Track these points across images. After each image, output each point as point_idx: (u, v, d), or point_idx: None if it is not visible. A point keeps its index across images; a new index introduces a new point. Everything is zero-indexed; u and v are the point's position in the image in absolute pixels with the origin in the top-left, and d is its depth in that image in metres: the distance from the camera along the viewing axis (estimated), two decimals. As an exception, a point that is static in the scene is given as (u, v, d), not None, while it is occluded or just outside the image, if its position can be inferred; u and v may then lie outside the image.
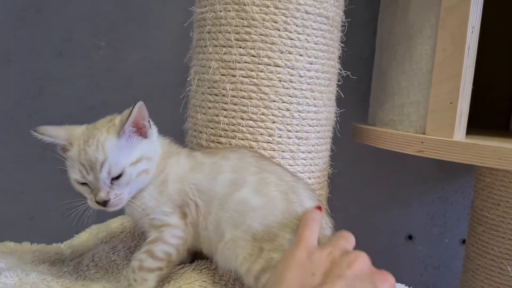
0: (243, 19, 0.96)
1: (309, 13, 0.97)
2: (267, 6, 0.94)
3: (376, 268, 0.73)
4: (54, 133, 0.90)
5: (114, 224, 1.13)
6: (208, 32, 1.00)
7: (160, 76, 1.74)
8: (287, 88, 0.97)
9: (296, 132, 0.99)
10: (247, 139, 0.97)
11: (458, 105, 1.00)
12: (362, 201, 1.70)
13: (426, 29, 1.06)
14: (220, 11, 0.97)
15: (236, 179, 0.85)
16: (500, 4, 1.36)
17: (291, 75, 0.97)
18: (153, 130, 0.91)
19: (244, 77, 0.96)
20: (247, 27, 0.96)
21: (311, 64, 0.99)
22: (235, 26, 0.96)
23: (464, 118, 1.02)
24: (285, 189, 0.85)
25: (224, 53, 0.98)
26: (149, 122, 0.89)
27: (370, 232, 1.75)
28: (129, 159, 0.83)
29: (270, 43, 0.96)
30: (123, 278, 0.88)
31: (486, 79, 1.19)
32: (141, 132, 0.87)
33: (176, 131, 1.04)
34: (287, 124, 0.98)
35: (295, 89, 0.98)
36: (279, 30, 0.96)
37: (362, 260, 0.71)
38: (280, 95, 0.97)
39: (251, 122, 0.97)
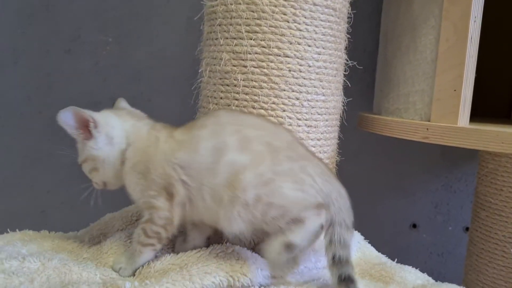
0: (253, 11, 0.99)
1: (317, 5, 1.00)
2: (277, -1, 0.98)
3: None
4: None
5: (129, 212, 1.17)
6: (219, 25, 1.03)
7: (166, 71, 1.77)
8: (296, 78, 1.01)
9: (305, 120, 1.03)
10: (259, 128, 1.00)
11: (462, 92, 1.03)
12: (367, 190, 1.73)
13: (430, 19, 1.09)
14: (231, 4, 1.01)
15: (217, 145, 0.88)
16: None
17: (300, 65, 1.01)
18: (102, 128, 0.94)
19: (255, 67, 1.00)
20: (257, 19, 0.99)
21: (319, 54, 1.02)
22: (245, 18, 1.00)
23: (468, 105, 1.05)
24: (268, 140, 0.89)
25: (235, 45, 1.01)
26: (93, 120, 0.93)
27: (375, 221, 1.79)
28: (80, 158, 0.97)
29: (279, 35, 0.99)
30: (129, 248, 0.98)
31: (488, 69, 1.23)
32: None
33: (184, 123, 1.07)
34: (297, 113, 1.02)
35: (304, 78, 1.01)
36: (288, 22, 0.99)
37: None
38: (290, 84, 1.00)
39: (262, 111, 1.01)
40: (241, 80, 1.01)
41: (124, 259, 0.97)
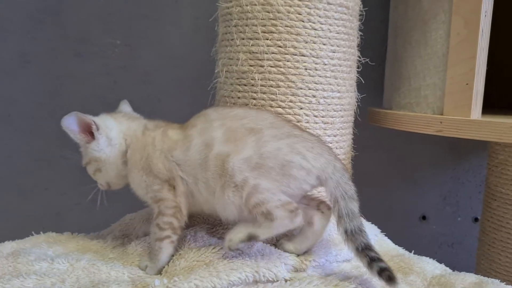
0: (268, 12, 1.01)
1: (330, 4, 1.03)
2: (291, -1, 1.00)
3: None
4: None
5: (149, 213, 1.19)
6: (235, 26, 1.05)
7: (175, 72, 1.79)
8: (312, 76, 1.03)
9: (322, 117, 1.05)
10: (277, 126, 1.02)
11: (474, 85, 1.06)
12: (376, 184, 1.75)
13: (440, 14, 1.12)
14: (246, 5, 1.03)
15: (206, 141, 0.94)
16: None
17: (316, 64, 1.03)
18: (102, 131, 1.01)
19: (271, 67, 1.02)
20: (273, 19, 1.01)
21: (334, 52, 1.05)
22: (261, 19, 1.02)
23: (480, 98, 1.08)
24: (250, 126, 0.92)
25: (252, 45, 1.03)
26: (94, 123, 1.00)
27: (385, 213, 1.81)
28: (84, 161, 1.04)
29: (295, 34, 1.01)
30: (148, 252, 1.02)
31: (499, 61, 1.25)
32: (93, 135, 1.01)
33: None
34: (313, 110, 1.04)
35: (320, 76, 1.03)
36: (303, 21, 1.01)
37: None
38: (306, 82, 1.03)
39: (280, 109, 1.03)
40: (258, 79, 1.03)
41: (148, 258, 0.99)
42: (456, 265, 1.83)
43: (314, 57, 1.03)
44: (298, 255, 1.00)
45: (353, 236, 0.88)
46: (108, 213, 1.22)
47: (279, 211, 0.88)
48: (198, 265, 0.95)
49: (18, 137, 1.81)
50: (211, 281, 0.88)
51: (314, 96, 1.04)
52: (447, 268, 1.05)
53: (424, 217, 1.84)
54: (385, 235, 1.21)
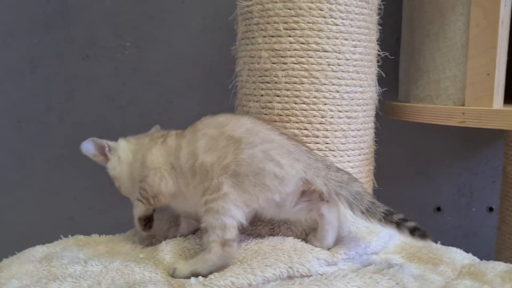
0: (290, 9, 1.02)
1: (351, -1, 1.03)
2: (313, -5, 1.00)
3: None
4: None
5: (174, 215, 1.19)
6: (256, 24, 1.06)
7: (184, 72, 1.79)
8: (335, 72, 1.04)
9: (346, 112, 1.06)
10: (301, 122, 1.04)
11: (495, 76, 1.07)
12: (391, 176, 1.76)
13: (458, 6, 1.12)
14: (267, 3, 1.03)
15: (191, 151, 0.99)
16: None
17: (339, 59, 1.04)
18: (114, 151, 1.11)
19: (295, 63, 1.03)
20: (295, 16, 1.02)
21: (355, 47, 1.05)
22: (283, 16, 1.02)
23: (501, 88, 1.09)
24: (229, 134, 0.96)
25: (274, 43, 1.04)
26: (108, 146, 1.10)
27: (400, 205, 1.81)
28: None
29: (317, 30, 1.02)
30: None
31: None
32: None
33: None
34: (337, 105, 1.05)
35: (342, 71, 1.04)
36: (325, 17, 1.02)
37: None
38: (329, 78, 1.03)
39: (304, 105, 1.04)
40: (281, 76, 1.03)
41: (177, 262, 0.99)
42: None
43: (336, 52, 1.03)
44: (328, 249, 1.00)
45: (370, 212, 0.91)
46: (120, 217, 1.23)
47: (218, 234, 0.92)
48: (231, 262, 0.96)
49: (28, 142, 1.81)
50: (247, 277, 0.89)
51: (337, 92, 1.04)
52: (476, 258, 1.06)
53: (438, 209, 1.85)
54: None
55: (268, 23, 1.04)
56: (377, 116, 1.19)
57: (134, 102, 1.82)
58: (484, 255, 1.57)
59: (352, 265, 1.00)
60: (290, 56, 1.03)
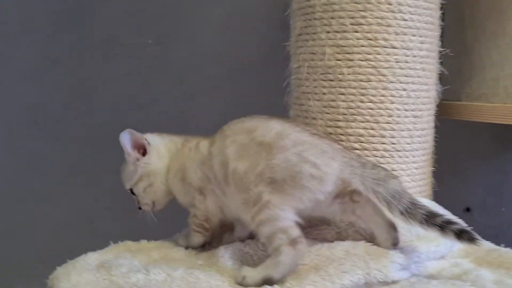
0: (357, 3, 0.98)
1: (419, -7, 1.00)
2: (381, -11, 0.97)
3: None
4: None
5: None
6: (319, 19, 1.02)
7: (208, 70, 1.73)
8: (403, 69, 1.00)
9: (412, 111, 1.03)
10: (368, 121, 1.00)
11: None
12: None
13: (519, 2, 1.10)
14: (332, -3, 0.99)
15: (222, 159, 0.96)
16: None
17: (406, 56, 1.00)
18: (153, 144, 1.08)
19: (361, 60, 0.99)
20: (363, 11, 0.98)
21: (422, 43, 1.02)
22: (349, 11, 0.99)
23: None
24: (260, 140, 0.92)
25: (340, 39, 1.00)
26: (145, 139, 1.07)
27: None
28: (132, 181, 1.09)
29: (386, 26, 0.98)
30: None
31: None
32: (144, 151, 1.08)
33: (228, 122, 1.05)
34: (404, 104, 1.01)
35: (410, 69, 1.01)
36: (394, 12, 0.98)
37: None
38: (397, 76, 1.00)
39: (371, 104, 1.00)
40: (347, 74, 1.00)
41: (245, 269, 0.93)
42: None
43: (404, 49, 1.00)
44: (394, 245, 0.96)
45: (409, 213, 0.86)
46: (142, 220, 1.17)
47: (281, 238, 0.87)
48: (303, 268, 0.91)
49: (46, 143, 1.73)
50: (324, 285, 0.85)
51: (404, 90, 1.01)
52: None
53: (468, 209, 1.83)
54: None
55: (332, 18, 1.00)
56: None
57: (156, 102, 1.76)
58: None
59: (423, 271, 0.96)
60: (357, 53, 0.99)
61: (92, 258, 1.00)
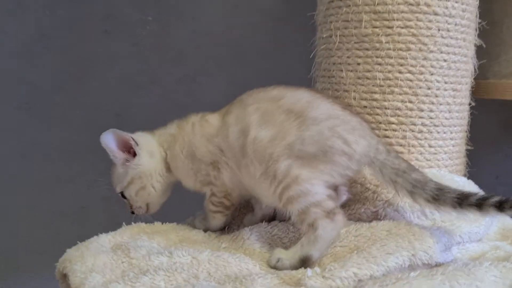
0: (398, -34, 0.91)
1: (463, -45, 0.93)
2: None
3: None
4: None
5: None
6: (355, -17, 0.94)
7: (211, 50, 1.65)
8: (444, 38, 0.94)
9: (451, 83, 0.96)
10: (406, 94, 0.94)
11: None
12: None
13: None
14: (371, -41, 0.92)
15: (242, 128, 0.90)
16: None
17: (448, 24, 0.94)
18: (142, 146, 1.00)
19: (401, 28, 0.92)
20: (403, -26, 0.90)
21: (464, 12, 0.96)
22: (389, -26, 0.91)
23: None
24: (288, 107, 0.87)
25: (377, 4, 0.93)
26: (133, 139, 0.99)
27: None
28: (123, 184, 1.02)
29: (428, -10, 0.91)
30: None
31: None
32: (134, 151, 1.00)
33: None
34: (444, 76, 0.95)
35: (451, 38, 0.94)
36: (436, -24, 0.91)
37: None
38: (438, 45, 0.93)
39: (410, 75, 0.94)
40: (385, 42, 0.92)
41: (277, 251, 0.87)
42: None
43: (447, 16, 0.93)
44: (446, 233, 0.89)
45: (437, 199, 0.81)
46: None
47: (316, 212, 0.82)
48: (343, 250, 0.84)
49: (38, 126, 1.62)
50: (370, 267, 0.78)
51: (445, 61, 0.95)
52: None
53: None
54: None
55: (370, -18, 0.92)
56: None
57: (155, 82, 1.67)
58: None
59: (464, 253, 0.90)
60: (396, 19, 0.92)
61: (105, 240, 0.91)
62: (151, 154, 1.01)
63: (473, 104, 1.07)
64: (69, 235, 1.66)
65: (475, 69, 1.04)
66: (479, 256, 0.90)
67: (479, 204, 0.79)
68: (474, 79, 1.24)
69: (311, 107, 0.86)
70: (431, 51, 0.93)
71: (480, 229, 0.95)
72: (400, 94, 0.94)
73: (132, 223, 1.03)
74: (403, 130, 0.94)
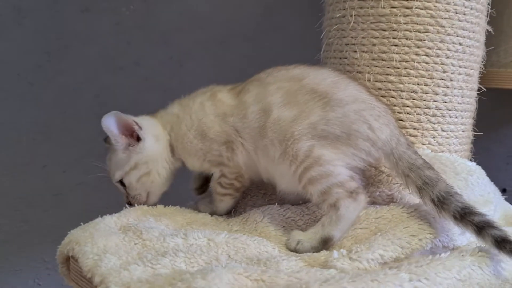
0: None
1: None
2: None
3: None
4: None
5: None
6: (373, -39, 0.92)
7: (198, 33, 1.61)
8: (461, 21, 0.93)
9: (465, 68, 0.96)
10: (422, 76, 0.93)
11: None
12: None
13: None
14: None
15: (263, 107, 0.88)
16: None
17: (465, 7, 0.94)
18: (146, 130, 0.96)
19: (420, 9, 0.91)
20: (423, -48, 0.89)
21: (479, -5, 0.95)
22: (408, -48, 0.90)
23: None
24: (312, 87, 0.85)
25: (396, -17, 0.91)
26: (136, 123, 0.94)
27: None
28: (124, 170, 0.96)
29: (447, -30, 0.90)
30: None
31: None
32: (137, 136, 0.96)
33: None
34: (459, 60, 0.95)
35: (467, 22, 0.94)
36: (455, -44, 0.90)
37: None
38: (455, 28, 0.93)
39: (426, 57, 0.93)
40: (403, 23, 0.91)
41: (295, 233, 0.85)
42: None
43: (465, -1, 0.92)
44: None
45: (442, 203, 0.78)
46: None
47: (338, 192, 0.81)
48: (363, 232, 0.83)
49: (12, 106, 1.52)
50: (395, 250, 0.77)
51: (460, 44, 0.94)
52: None
53: (504, 190, 1.80)
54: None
55: (388, -40, 0.91)
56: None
57: (139, 64, 1.62)
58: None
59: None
60: (416, 0, 0.90)
61: (111, 221, 0.87)
62: (157, 138, 0.97)
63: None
64: (40, 225, 1.59)
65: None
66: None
67: (480, 228, 0.73)
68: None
69: (336, 88, 0.85)
70: (448, 34, 0.92)
71: (490, 213, 0.95)
72: (416, 76, 0.93)
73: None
74: (418, 114, 0.94)
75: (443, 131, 0.95)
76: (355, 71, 0.97)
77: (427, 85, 0.93)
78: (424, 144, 0.95)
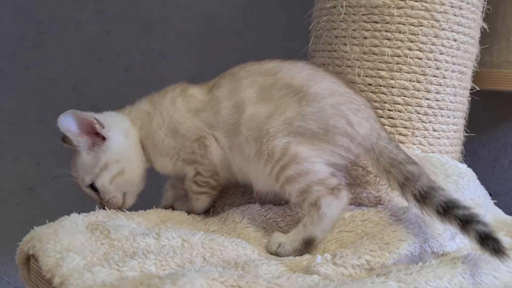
0: None
1: None
2: None
3: None
4: None
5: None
6: (365, -50, 0.87)
7: (181, 24, 1.55)
8: (456, 16, 0.89)
9: (459, 65, 0.92)
10: (414, 72, 0.89)
11: None
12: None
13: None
14: None
15: (236, 102, 0.84)
16: None
17: (461, 1, 0.89)
18: (110, 127, 0.90)
19: (415, 1, 0.86)
20: None
21: (475, -9, 0.91)
22: None
23: None
24: (287, 81, 0.82)
25: (390, -26, 0.86)
26: (97, 121, 0.87)
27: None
28: (95, 171, 0.89)
29: (443, -39, 0.86)
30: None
31: None
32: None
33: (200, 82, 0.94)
34: (453, 56, 0.91)
35: (462, 17, 0.90)
36: None
37: None
38: (450, 23, 0.89)
39: (419, 53, 0.89)
40: (396, 15, 0.86)
41: (277, 235, 0.80)
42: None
43: (460, -7, 0.88)
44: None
45: (424, 198, 0.73)
46: None
47: (318, 189, 0.76)
48: (348, 236, 0.79)
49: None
50: (383, 255, 0.72)
51: (455, 40, 0.90)
52: None
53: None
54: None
55: (382, -51, 0.86)
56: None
57: (119, 55, 1.56)
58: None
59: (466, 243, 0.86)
60: (410, -8, 0.86)
61: (78, 219, 0.80)
62: (126, 134, 0.91)
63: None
64: (12, 220, 1.52)
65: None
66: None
67: (464, 222, 0.68)
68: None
69: (312, 81, 0.81)
70: (443, 29, 0.88)
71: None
72: (408, 72, 0.88)
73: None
74: (409, 112, 0.89)
75: (434, 131, 0.91)
76: (344, 65, 0.92)
77: (419, 82, 0.89)
78: (414, 144, 0.90)
